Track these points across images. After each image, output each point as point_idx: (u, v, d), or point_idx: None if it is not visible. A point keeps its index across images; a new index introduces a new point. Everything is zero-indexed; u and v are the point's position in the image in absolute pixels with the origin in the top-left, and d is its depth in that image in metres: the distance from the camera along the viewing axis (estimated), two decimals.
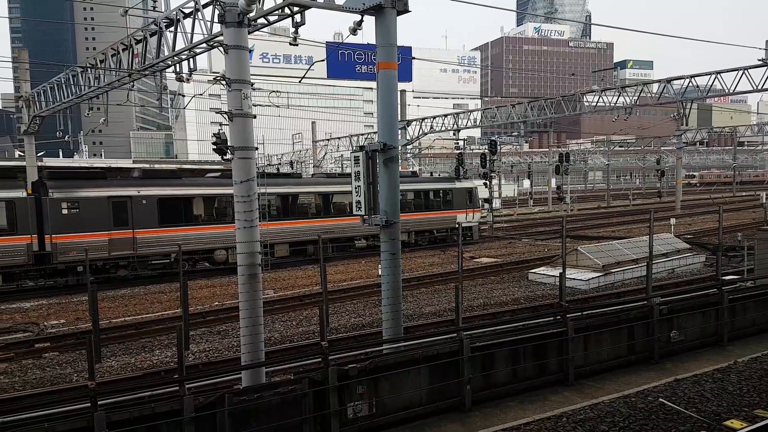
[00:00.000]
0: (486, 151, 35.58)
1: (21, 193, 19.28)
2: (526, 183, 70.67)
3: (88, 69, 16.64)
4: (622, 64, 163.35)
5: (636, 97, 30.61)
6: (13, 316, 16.53)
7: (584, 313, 10.67)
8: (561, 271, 10.32)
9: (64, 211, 19.64)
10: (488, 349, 9.06)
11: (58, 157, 42.09)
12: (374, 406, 8.21)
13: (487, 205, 34.89)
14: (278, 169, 48.61)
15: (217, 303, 17.41)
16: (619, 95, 30.43)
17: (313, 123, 47.49)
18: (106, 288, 19.33)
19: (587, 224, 38.48)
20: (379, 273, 20.14)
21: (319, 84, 71.99)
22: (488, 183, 34.44)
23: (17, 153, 43.13)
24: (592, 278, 17.77)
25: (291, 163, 50.99)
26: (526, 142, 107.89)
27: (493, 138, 40.03)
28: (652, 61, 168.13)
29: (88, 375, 6.93)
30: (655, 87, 31.29)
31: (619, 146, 72.21)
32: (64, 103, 18.63)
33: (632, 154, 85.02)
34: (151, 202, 21.17)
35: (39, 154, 24.35)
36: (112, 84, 15.59)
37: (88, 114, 18.70)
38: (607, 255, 19.08)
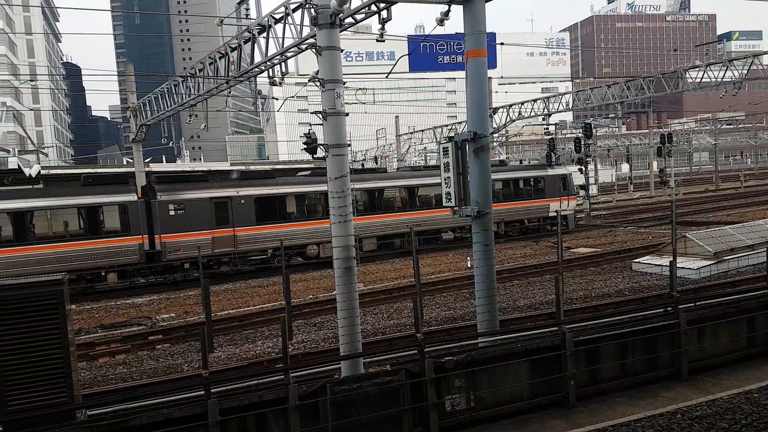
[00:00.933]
0: (580, 134, 34.03)
1: (132, 197, 20.84)
2: (625, 167, 66.88)
3: (188, 78, 17.64)
4: (727, 36, 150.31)
5: (745, 71, 28.02)
6: (128, 310, 17.87)
7: (697, 303, 9.94)
8: (670, 259, 9.66)
9: (171, 213, 21.03)
10: (592, 343, 8.66)
11: (162, 162, 45.12)
12: (472, 400, 8.10)
13: (582, 192, 33.41)
14: (363, 165, 49.29)
15: (311, 296, 17.94)
16: (726, 69, 27.99)
17: (396, 117, 47.67)
18: (210, 283, 20.33)
19: (695, 209, 35.88)
20: (468, 265, 19.93)
21: (401, 78, 72.11)
22: (583, 168, 32.95)
23: (125, 160, 46.80)
24: (703, 266, 16.54)
25: (375, 159, 51.54)
26: (623, 124, 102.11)
27: (588, 121, 38.23)
28: (761, 31, 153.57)
29: (202, 364, 7.36)
30: (766, 58, 28.52)
31: (727, 124, 66.54)
32: (167, 112, 19.89)
33: (742, 131, 78.13)
34: (249, 201, 22.22)
35: (146, 160, 26.28)
36: (211, 91, 16.44)
37: (189, 121, 19.87)
38: (719, 241, 17.68)
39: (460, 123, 37.16)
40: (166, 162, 45.11)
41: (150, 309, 17.85)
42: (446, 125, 42.10)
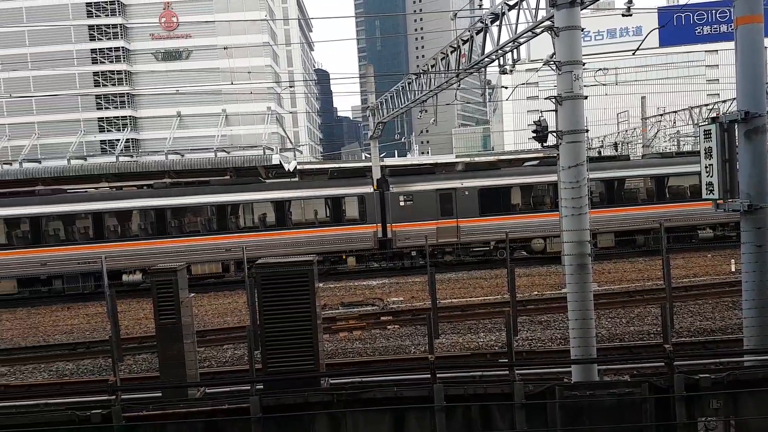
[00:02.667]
0: None
1: (369, 189, 22.69)
2: None
3: (420, 75, 18.39)
4: None
5: None
6: (364, 291, 19.47)
7: None
8: None
9: (401, 203, 22.38)
10: None
11: (394, 156, 48.12)
12: (733, 426, 6.88)
13: None
14: (600, 152, 45.74)
15: (536, 292, 17.37)
16: None
17: (642, 98, 42.93)
18: (435, 271, 21.13)
19: None
20: (733, 269, 17.08)
21: (649, 54, 64.62)
22: None
23: (364, 155, 51.11)
24: None
25: (615, 145, 47.31)
26: None
27: None
28: None
29: (428, 349, 7.55)
30: None
31: None
32: (401, 109, 21.09)
33: None
34: (472, 193, 22.44)
35: (381, 155, 28.26)
36: (441, 86, 16.90)
37: (420, 116, 20.78)
38: None
39: (724, 102, 32.00)
40: (398, 156, 47.95)
41: (382, 292, 19.20)
42: (706, 105, 36.58)
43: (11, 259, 21.01)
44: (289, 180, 29.12)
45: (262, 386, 8.04)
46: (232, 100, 55.55)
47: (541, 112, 8.52)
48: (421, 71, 18.46)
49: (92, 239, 21.48)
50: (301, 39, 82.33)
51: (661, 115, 41.50)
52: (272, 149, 36.25)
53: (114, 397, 7.86)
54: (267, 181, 26.65)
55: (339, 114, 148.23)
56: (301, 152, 54.26)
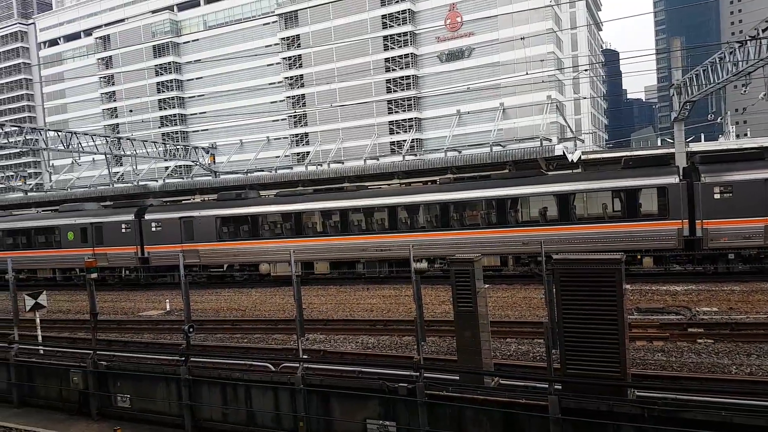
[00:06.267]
0: None
1: (672, 179, 19.70)
2: None
3: (747, 42, 15.30)
4: None
5: None
6: (664, 297, 17.18)
7: None
8: None
9: (717, 196, 18.99)
10: None
11: (700, 141, 41.66)
12: None
13: None
14: None
15: None
16: None
17: None
18: (759, 279, 17.64)
19: None
20: None
21: None
22: None
23: (659, 141, 45.51)
24: None
25: None
26: None
27: None
28: None
29: None
30: None
31: None
32: (717, 84, 17.92)
33: None
34: None
35: (687, 140, 24.49)
36: None
37: (744, 91, 17.32)
38: None
39: None
40: (704, 140, 41.26)
41: (688, 299, 16.80)
42: None
43: (326, 244, 24.67)
44: (572, 171, 27.66)
45: (560, 387, 7.65)
46: (509, 93, 55.43)
47: None
48: (747, 38, 15.37)
49: (387, 230, 23.83)
50: (588, 20, 77.05)
51: None
52: (550, 140, 34.94)
53: (418, 374, 8.46)
54: (549, 173, 25.70)
55: (629, 96, 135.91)
56: (583, 141, 51.06)
